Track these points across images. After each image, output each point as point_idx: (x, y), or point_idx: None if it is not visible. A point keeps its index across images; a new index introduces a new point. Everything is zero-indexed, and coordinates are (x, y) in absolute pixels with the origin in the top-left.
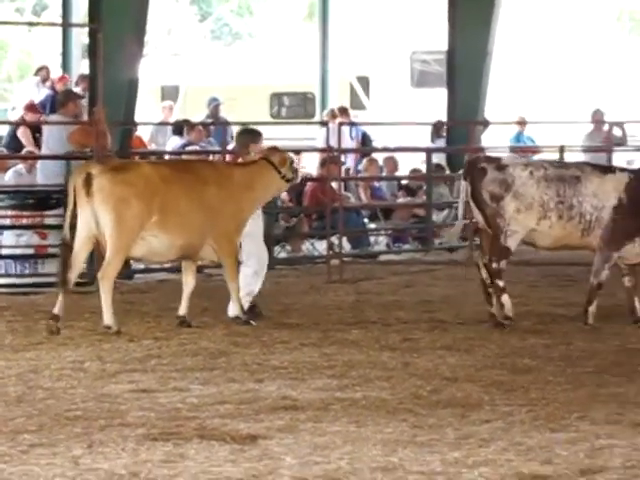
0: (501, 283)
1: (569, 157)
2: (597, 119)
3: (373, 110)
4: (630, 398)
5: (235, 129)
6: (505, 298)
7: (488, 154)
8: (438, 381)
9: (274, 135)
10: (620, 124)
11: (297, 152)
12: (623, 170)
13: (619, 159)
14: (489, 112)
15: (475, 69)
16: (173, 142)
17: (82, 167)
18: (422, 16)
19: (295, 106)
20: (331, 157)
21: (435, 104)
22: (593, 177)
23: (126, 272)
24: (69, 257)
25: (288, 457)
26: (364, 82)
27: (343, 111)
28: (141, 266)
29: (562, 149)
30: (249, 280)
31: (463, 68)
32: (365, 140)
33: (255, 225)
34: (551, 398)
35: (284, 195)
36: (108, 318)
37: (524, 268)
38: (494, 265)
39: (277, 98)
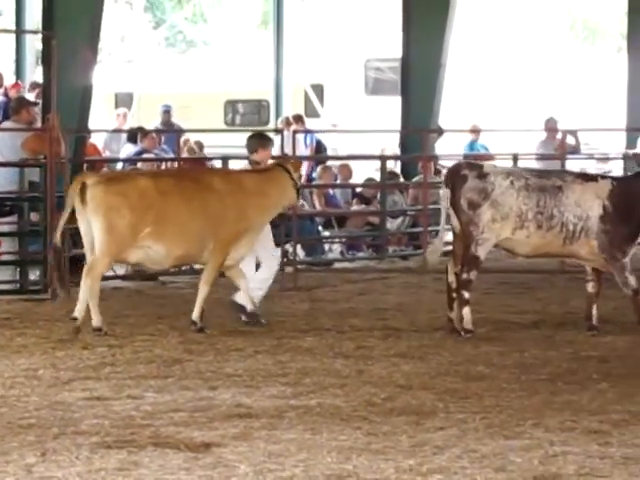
0: (466, 295)
1: (522, 165)
2: (550, 127)
3: (327, 118)
4: (583, 405)
5: (191, 136)
6: (466, 311)
7: (469, 161)
8: (392, 389)
9: (228, 142)
10: (573, 132)
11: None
12: (605, 178)
13: (572, 167)
14: (443, 120)
15: (429, 77)
16: (127, 149)
17: (79, 177)
18: (376, 24)
19: (249, 113)
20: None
21: (389, 112)
22: (575, 186)
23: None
24: (60, 262)
25: (242, 465)
26: (318, 90)
27: (298, 119)
28: None
29: (515, 157)
30: (258, 285)
31: (417, 76)
32: (319, 148)
33: (265, 233)
34: (505, 405)
35: None
36: (96, 319)
37: (479, 275)
38: (464, 275)
39: (231, 105)
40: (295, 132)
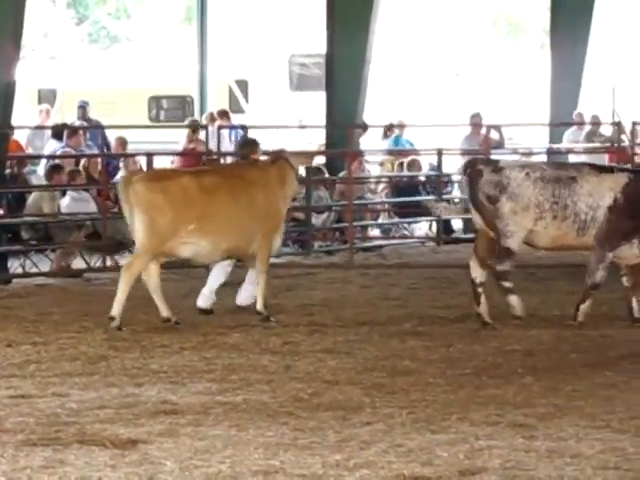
0: (507, 284)
1: (447, 160)
2: (474, 122)
3: (252, 113)
4: (508, 399)
5: (114, 133)
6: (513, 299)
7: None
8: (319, 384)
9: (153, 139)
10: (497, 127)
11: (176, 155)
12: (622, 170)
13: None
14: (368, 115)
15: (354, 73)
16: (51, 146)
17: (126, 175)
18: (300, 20)
19: (174, 109)
20: (210, 160)
21: (314, 107)
22: (590, 177)
23: (4, 277)
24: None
25: (168, 461)
26: (243, 85)
27: (224, 114)
28: (19, 270)
29: (440, 152)
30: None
31: (342, 72)
32: None
33: None
34: (431, 400)
35: None
36: (116, 310)
37: (404, 270)
38: (498, 267)
39: (156, 101)
40: (220, 128)
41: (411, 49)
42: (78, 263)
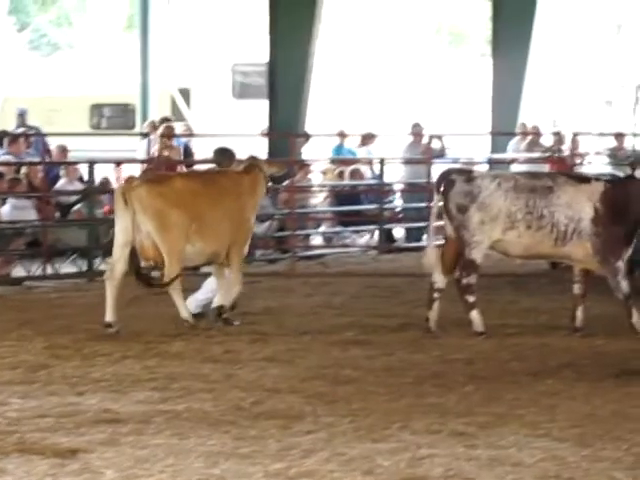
0: (471, 299)
1: (389, 169)
2: (416, 132)
3: (194, 122)
4: (450, 408)
5: (57, 140)
6: (474, 314)
7: (460, 167)
8: (260, 393)
9: (94, 147)
10: (439, 136)
11: (118, 163)
12: (598, 180)
13: (438, 171)
14: (310, 124)
15: (296, 81)
16: None
17: (126, 183)
18: (243, 28)
19: (115, 117)
20: (152, 168)
21: (257, 116)
22: (567, 187)
23: None
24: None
25: (109, 471)
26: (185, 94)
27: (166, 121)
28: None
29: (382, 161)
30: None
31: (284, 80)
32: (187, 152)
33: None
34: (373, 409)
35: (106, 207)
36: (185, 314)
37: (346, 279)
38: (464, 281)
39: (97, 109)
40: (162, 136)
41: (354, 58)
42: (18, 271)
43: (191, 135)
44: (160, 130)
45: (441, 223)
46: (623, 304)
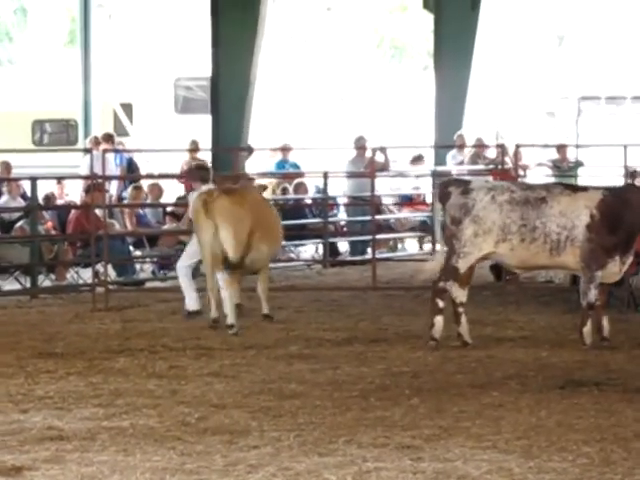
0: (440, 304)
1: (332, 183)
2: (360, 145)
3: (137, 137)
4: (396, 421)
5: None
6: (438, 319)
7: (457, 178)
8: (206, 408)
9: (36, 163)
10: (383, 149)
11: (60, 179)
12: (597, 188)
13: (382, 184)
14: (253, 139)
15: (239, 96)
16: None
17: (207, 194)
18: (185, 43)
19: (57, 133)
20: (95, 184)
21: (199, 130)
22: (561, 197)
23: None
24: None
25: None
26: (127, 108)
27: (108, 138)
28: None
29: (326, 175)
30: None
31: (227, 95)
32: (131, 167)
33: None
34: (318, 422)
35: (49, 223)
36: (232, 318)
37: (290, 293)
38: (440, 284)
39: (39, 125)
40: (105, 151)
41: (296, 72)
42: None
43: (136, 150)
44: (189, 146)
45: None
46: (582, 312)
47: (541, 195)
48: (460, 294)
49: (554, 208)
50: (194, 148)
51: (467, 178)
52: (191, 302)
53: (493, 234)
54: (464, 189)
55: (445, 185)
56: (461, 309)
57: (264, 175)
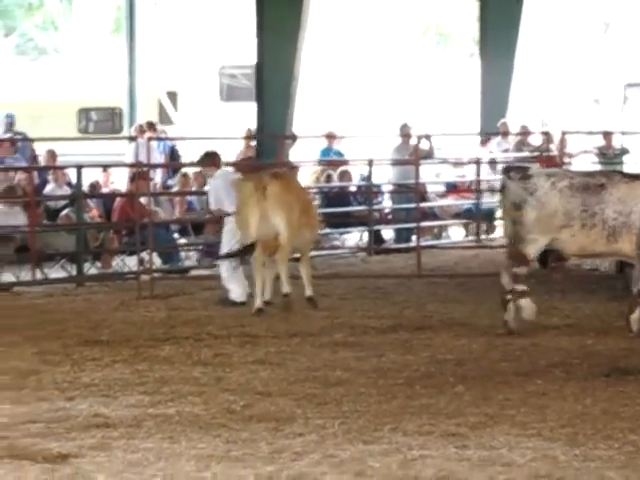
0: (520, 287)
1: (377, 171)
2: (405, 132)
3: (182, 125)
4: (441, 409)
5: (44, 145)
6: (525, 302)
7: (518, 164)
8: (251, 395)
9: (82, 151)
10: (427, 137)
11: (105, 167)
12: None
13: (427, 172)
14: (298, 126)
15: (283, 83)
16: None
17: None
18: (230, 31)
19: (103, 121)
20: (140, 172)
21: (244, 118)
22: (620, 184)
23: None
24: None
25: (101, 475)
26: (172, 97)
27: (150, 126)
28: None
29: (371, 162)
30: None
31: (271, 82)
32: (173, 155)
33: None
34: (363, 410)
35: (94, 211)
36: (288, 287)
37: (334, 281)
38: (514, 270)
39: (85, 113)
40: (149, 139)
41: (341, 59)
42: (7, 277)
43: (180, 138)
44: (245, 133)
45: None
46: (632, 298)
47: (600, 182)
48: (509, 282)
49: (613, 195)
50: (248, 136)
51: (526, 165)
52: (236, 293)
53: (556, 220)
54: (524, 175)
55: (505, 172)
56: (509, 296)
57: (309, 163)
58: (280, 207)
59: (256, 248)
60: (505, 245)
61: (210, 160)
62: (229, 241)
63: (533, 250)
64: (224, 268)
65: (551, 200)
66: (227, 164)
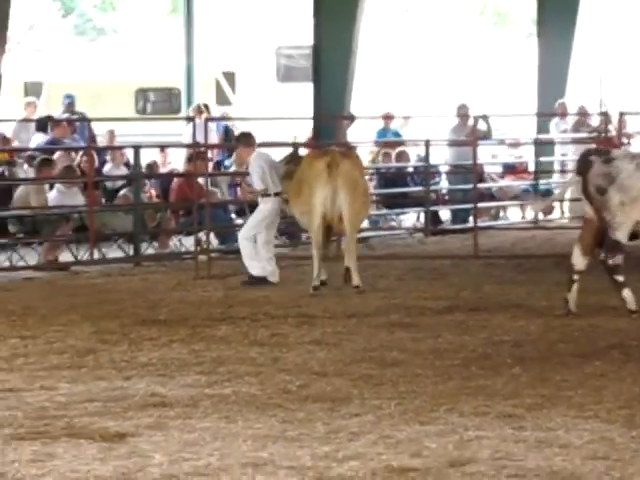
0: (620, 278)
1: (434, 151)
2: (462, 113)
3: (239, 105)
4: (497, 390)
5: (103, 125)
6: (625, 293)
7: (598, 147)
8: (307, 376)
9: (140, 131)
10: (485, 118)
11: (162, 148)
12: None
13: (484, 153)
14: (355, 107)
15: (341, 64)
16: (37, 139)
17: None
18: (287, 11)
19: (160, 102)
20: (198, 153)
21: (301, 99)
22: None
23: None
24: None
25: (157, 454)
26: (230, 77)
27: (205, 107)
28: (6, 264)
29: (428, 143)
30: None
31: (329, 63)
32: (228, 135)
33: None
34: (420, 391)
35: (151, 191)
36: (356, 279)
37: (391, 261)
38: (610, 262)
39: (142, 94)
40: (207, 120)
41: (398, 40)
42: (65, 256)
43: (238, 119)
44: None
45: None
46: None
47: None
48: (579, 262)
49: None
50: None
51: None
52: (257, 268)
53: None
54: (606, 158)
55: (586, 155)
56: (576, 277)
57: (366, 143)
58: (349, 187)
59: (319, 225)
60: (567, 227)
61: (251, 140)
62: (260, 221)
63: (622, 235)
64: (244, 246)
65: (635, 183)
66: (265, 144)
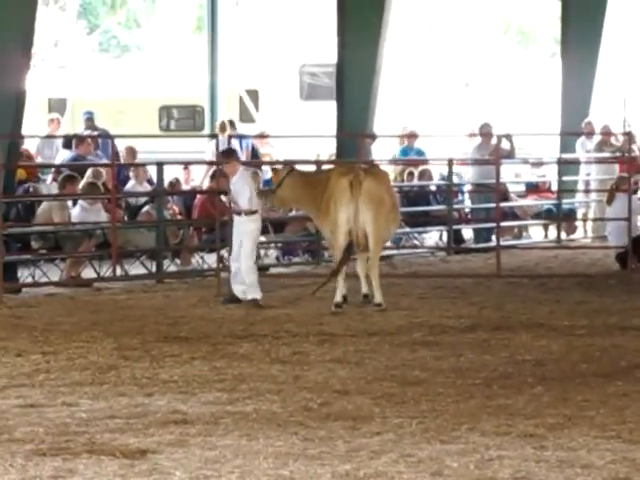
0: None
1: (457, 170)
2: (485, 132)
3: (263, 123)
4: (519, 409)
5: (125, 142)
6: None
7: None
8: (328, 394)
9: (163, 148)
10: (508, 137)
11: (186, 165)
12: None
13: (507, 172)
14: (379, 125)
15: (364, 82)
16: (63, 155)
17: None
18: (311, 29)
19: (184, 119)
20: (221, 170)
21: (324, 117)
22: None
23: (14, 286)
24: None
25: (178, 471)
26: (253, 95)
27: (230, 124)
28: (29, 280)
29: (451, 162)
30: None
31: (352, 81)
32: (254, 153)
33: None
34: (441, 410)
35: (174, 208)
36: (378, 297)
37: (413, 280)
38: None
39: (166, 111)
40: (230, 137)
41: (422, 58)
42: (88, 272)
43: (261, 136)
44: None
45: None
46: None
47: None
48: None
49: None
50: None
51: None
52: (257, 293)
53: None
54: None
55: None
56: None
57: (389, 162)
58: (373, 204)
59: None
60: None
61: (233, 157)
62: (255, 242)
63: None
64: (252, 272)
65: None
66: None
